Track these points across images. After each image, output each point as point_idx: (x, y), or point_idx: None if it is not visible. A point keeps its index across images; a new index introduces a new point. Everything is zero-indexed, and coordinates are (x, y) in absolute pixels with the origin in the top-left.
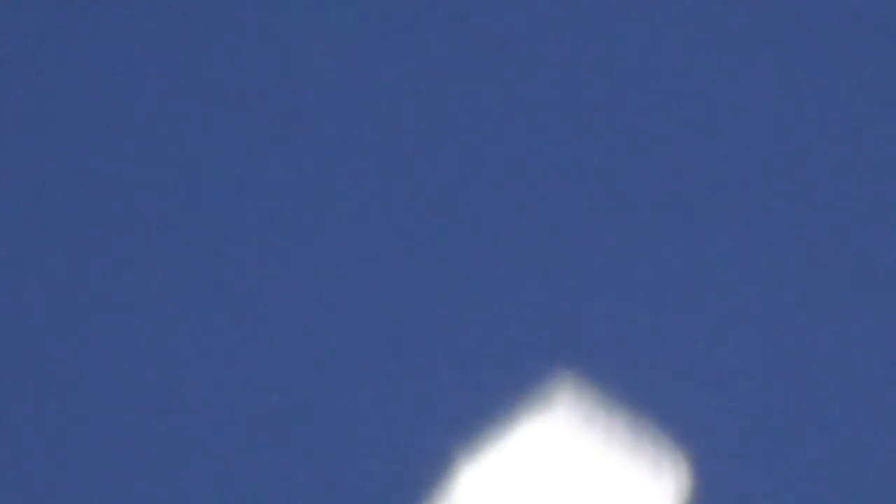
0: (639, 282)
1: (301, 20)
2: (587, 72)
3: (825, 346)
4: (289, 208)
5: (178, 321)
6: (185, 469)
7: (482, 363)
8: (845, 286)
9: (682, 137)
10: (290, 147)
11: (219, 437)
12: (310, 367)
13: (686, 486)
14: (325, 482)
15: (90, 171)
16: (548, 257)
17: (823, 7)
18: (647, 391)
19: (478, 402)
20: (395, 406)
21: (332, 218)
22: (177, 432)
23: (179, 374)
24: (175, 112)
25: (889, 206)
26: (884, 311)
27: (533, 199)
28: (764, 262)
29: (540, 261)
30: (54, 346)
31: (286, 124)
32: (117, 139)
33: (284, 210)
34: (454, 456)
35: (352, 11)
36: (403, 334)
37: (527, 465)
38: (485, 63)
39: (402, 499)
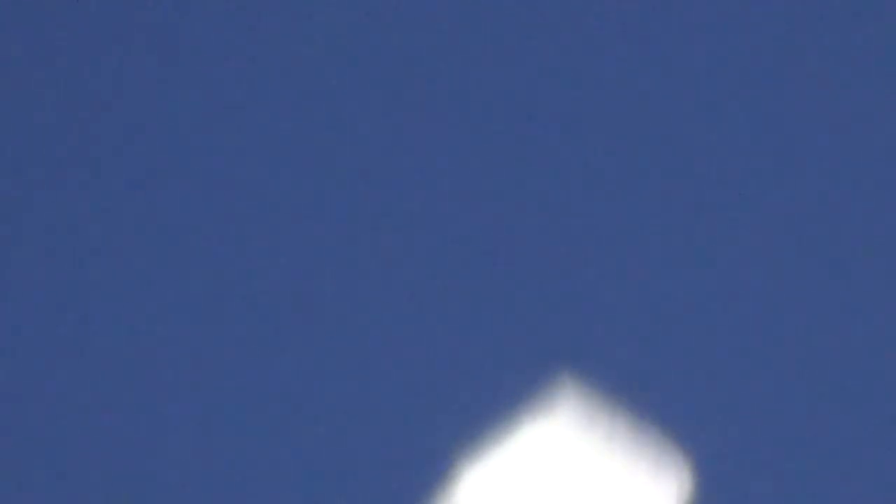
0: (640, 285)
1: (297, 18)
2: (590, 74)
3: (826, 348)
4: (289, 209)
5: (178, 320)
6: (185, 469)
7: (484, 365)
8: (846, 287)
9: (682, 140)
10: (289, 144)
11: (219, 437)
12: (312, 370)
13: (687, 487)
14: (328, 483)
15: (89, 170)
16: (550, 260)
17: (824, 8)
18: (648, 394)
19: (480, 404)
20: (397, 407)
21: (334, 220)
22: (176, 433)
23: (179, 374)
24: (175, 110)
25: (889, 206)
26: (884, 312)
27: (534, 202)
28: (764, 264)
29: (542, 264)
30: (53, 344)
31: (283, 121)
32: (113, 137)
33: (284, 210)
34: (456, 457)
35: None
36: (406, 337)
37: (528, 467)
38: (485, 64)
39: (403, 499)
